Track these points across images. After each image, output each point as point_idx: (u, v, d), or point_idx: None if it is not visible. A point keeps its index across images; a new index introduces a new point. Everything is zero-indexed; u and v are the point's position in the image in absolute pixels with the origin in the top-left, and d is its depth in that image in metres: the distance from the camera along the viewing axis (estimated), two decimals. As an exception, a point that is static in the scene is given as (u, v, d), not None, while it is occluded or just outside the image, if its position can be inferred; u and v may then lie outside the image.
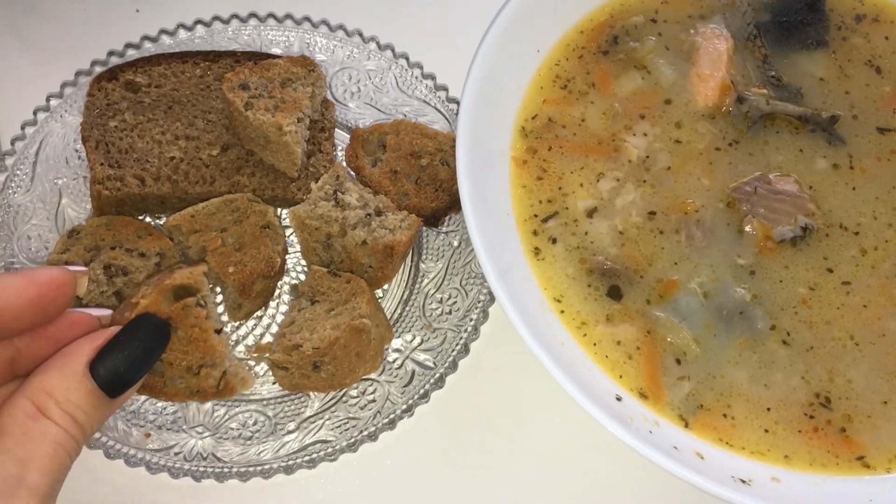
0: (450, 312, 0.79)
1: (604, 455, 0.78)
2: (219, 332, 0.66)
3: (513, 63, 0.84)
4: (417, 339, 0.78)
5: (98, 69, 0.85)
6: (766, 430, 0.72)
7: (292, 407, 0.74)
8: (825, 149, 0.84)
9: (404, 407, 0.73)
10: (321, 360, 0.71)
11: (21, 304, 0.50)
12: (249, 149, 0.80)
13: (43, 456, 0.46)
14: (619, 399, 0.71)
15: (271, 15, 0.90)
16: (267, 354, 0.74)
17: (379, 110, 0.88)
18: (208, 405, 0.74)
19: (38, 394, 0.47)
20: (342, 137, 0.87)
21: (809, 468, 0.71)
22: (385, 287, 0.81)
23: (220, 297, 0.79)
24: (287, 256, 0.82)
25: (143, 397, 0.73)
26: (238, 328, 0.79)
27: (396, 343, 0.78)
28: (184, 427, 0.72)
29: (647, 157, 0.83)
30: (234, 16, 0.90)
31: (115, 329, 0.51)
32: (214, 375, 0.66)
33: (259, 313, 0.79)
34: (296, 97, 0.77)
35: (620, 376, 0.73)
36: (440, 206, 0.80)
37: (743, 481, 0.67)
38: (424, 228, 0.83)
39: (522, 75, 0.86)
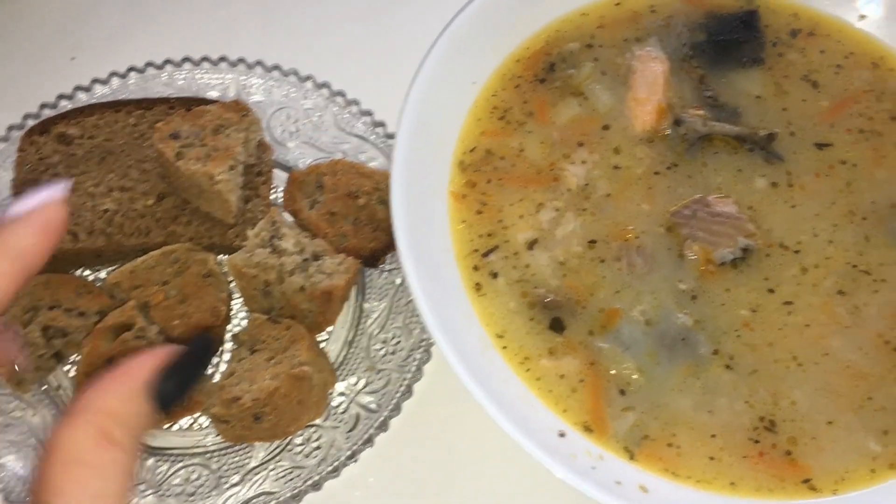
0: (393, 353, 0.78)
1: (559, 493, 0.77)
2: None
3: (448, 97, 0.84)
4: (362, 382, 0.77)
5: (31, 122, 0.85)
6: (712, 458, 0.72)
7: (236, 459, 0.74)
8: (764, 167, 0.84)
9: (348, 453, 0.73)
10: (262, 410, 0.70)
11: (42, 261, 0.48)
12: (185, 197, 0.79)
13: (116, 487, 0.44)
14: (562, 435, 0.71)
15: (205, 58, 0.89)
16: (207, 408, 0.74)
17: (319, 149, 0.88)
18: (151, 460, 0.73)
19: (104, 419, 0.44)
20: (283, 178, 0.86)
21: (756, 494, 0.71)
22: (329, 329, 0.81)
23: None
24: (231, 303, 0.81)
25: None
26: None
27: (341, 387, 0.77)
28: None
29: (587, 184, 0.83)
30: (168, 61, 0.89)
31: (170, 349, 0.48)
32: None
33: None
34: (228, 144, 0.77)
35: (565, 410, 0.73)
36: (379, 245, 0.79)
37: (686, 513, 0.67)
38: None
39: (459, 108, 0.85)
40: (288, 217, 0.82)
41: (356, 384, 0.77)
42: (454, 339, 0.70)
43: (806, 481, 0.72)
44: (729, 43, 0.91)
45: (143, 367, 0.46)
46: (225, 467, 0.73)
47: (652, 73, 0.88)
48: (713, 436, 0.73)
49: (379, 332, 0.80)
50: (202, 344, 0.49)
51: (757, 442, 0.73)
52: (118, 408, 0.45)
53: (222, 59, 0.90)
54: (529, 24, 0.90)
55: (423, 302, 0.70)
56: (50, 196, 0.47)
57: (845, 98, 0.89)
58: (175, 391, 0.47)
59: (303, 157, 0.87)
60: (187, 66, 0.89)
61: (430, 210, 0.79)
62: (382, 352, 0.79)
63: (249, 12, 0.99)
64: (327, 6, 1.00)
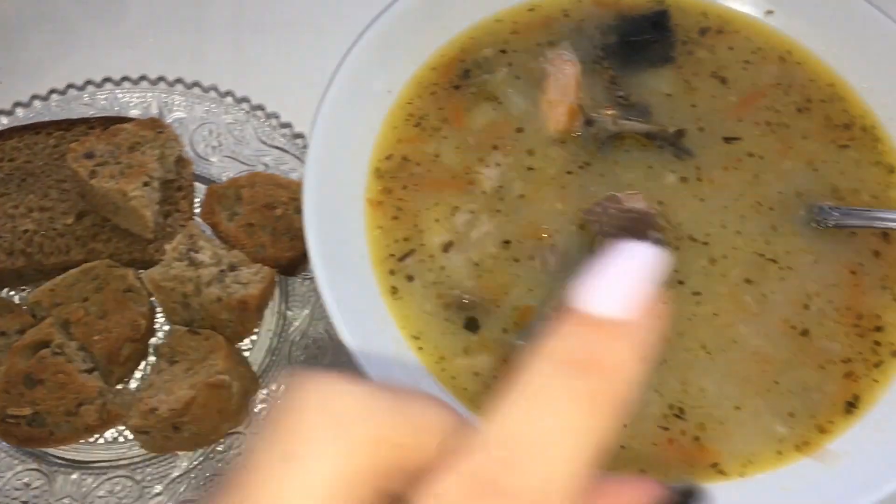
0: (315, 357, 0.80)
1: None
2: (90, 371, 0.74)
3: (363, 106, 0.86)
4: (283, 388, 0.78)
5: (-48, 148, 0.86)
6: (623, 447, 0.74)
7: (160, 469, 0.75)
8: (674, 163, 0.86)
9: (268, 458, 0.74)
10: (180, 420, 0.71)
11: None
12: (103, 215, 0.81)
13: None
14: (474, 431, 0.73)
15: (126, 78, 0.91)
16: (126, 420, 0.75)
17: (241, 162, 0.89)
18: (76, 474, 0.75)
19: None
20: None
21: (664, 480, 0.72)
22: (254, 338, 0.82)
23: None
24: (157, 317, 0.83)
25: (8, 473, 0.74)
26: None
27: (263, 394, 0.79)
28: (50, 500, 0.73)
29: (501, 186, 0.85)
30: (89, 82, 0.91)
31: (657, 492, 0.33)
32: (93, 410, 0.73)
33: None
34: (143, 161, 0.78)
35: (479, 407, 0.75)
36: (296, 254, 0.81)
37: (594, 501, 0.69)
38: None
39: (374, 117, 0.87)
40: (208, 230, 0.83)
41: (278, 391, 0.79)
42: (364, 341, 0.72)
43: (714, 465, 0.74)
44: (640, 43, 0.93)
45: None
46: (149, 477, 0.75)
47: (564, 75, 0.90)
48: (624, 425, 0.74)
49: (301, 339, 0.81)
50: (691, 496, 0.33)
51: (666, 429, 0.75)
52: None
53: (142, 77, 0.91)
54: (444, 32, 0.92)
55: (332, 305, 0.72)
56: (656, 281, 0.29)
57: (753, 92, 0.91)
58: None
59: (226, 170, 0.89)
60: (108, 85, 0.91)
61: (346, 217, 0.81)
62: (303, 358, 0.80)
63: (169, 33, 1.01)
64: (244, 20, 1.02)
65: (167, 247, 0.78)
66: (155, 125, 0.81)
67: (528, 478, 0.26)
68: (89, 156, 0.78)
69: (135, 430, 0.73)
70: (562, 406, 0.27)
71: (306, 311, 0.83)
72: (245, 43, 1.01)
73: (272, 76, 0.97)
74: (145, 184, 0.77)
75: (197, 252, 0.77)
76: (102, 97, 0.90)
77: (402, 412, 0.28)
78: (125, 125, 0.81)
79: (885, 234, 0.84)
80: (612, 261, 0.28)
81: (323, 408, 0.28)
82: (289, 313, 0.83)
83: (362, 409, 0.28)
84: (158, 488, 0.74)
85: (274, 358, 0.81)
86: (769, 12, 0.95)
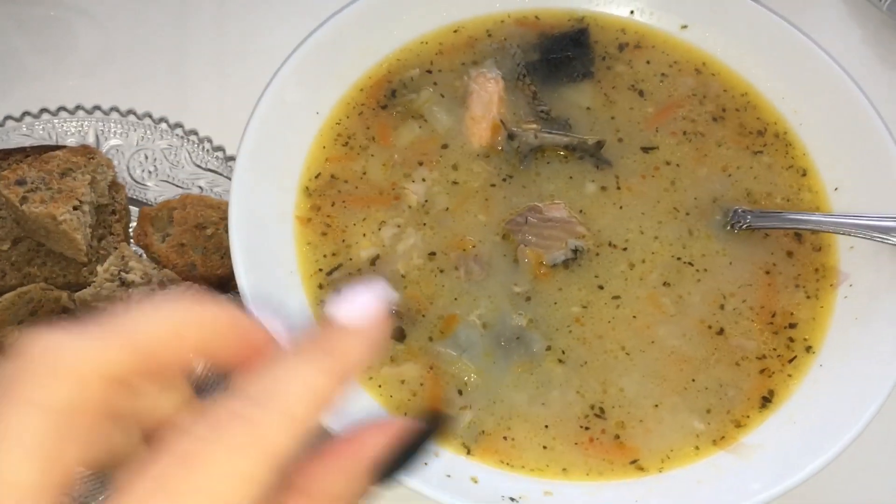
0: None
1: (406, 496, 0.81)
2: None
3: (291, 127, 0.89)
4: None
5: None
6: (545, 447, 0.76)
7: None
8: (594, 173, 0.90)
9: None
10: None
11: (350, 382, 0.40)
12: (38, 240, 0.83)
13: None
14: (399, 436, 0.75)
15: (62, 108, 0.93)
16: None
17: (177, 186, 0.92)
18: None
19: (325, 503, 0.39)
20: (144, 216, 0.90)
21: (586, 477, 0.75)
22: (189, 355, 0.84)
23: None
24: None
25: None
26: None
27: (197, 409, 0.80)
28: None
29: (427, 200, 0.88)
30: (26, 112, 0.93)
31: (399, 424, 0.41)
32: None
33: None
34: (73, 186, 0.81)
35: (405, 414, 0.77)
36: (226, 272, 0.83)
37: (512, 499, 0.71)
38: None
39: (303, 138, 0.90)
40: (141, 252, 0.86)
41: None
42: (289, 353, 0.74)
43: (633, 462, 0.76)
44: (560, 60, 0.97)
45: (371, 445, 0.40)
46: (84, 495, 0.76)
47: (487, 92, 0.93)
48: (546, 426, 0.77)
49: (234, 355, 0.83)
50: (434, 420, 0.43)
51: (587, 429, 0.77)
52: (341, 489, 0.39)
53: (78, 107, 0.94)
54: (371, 55, 0.95)
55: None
56: (383, 306, 0.41)
57: (670, 104, 0.95)
58: (401, 470, 0.41)
59: (162, 194, 0.91)
60: (45, 116, 0.93)
61: (275, 235, 0.83)
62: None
63: (102, 61, 1.04)
64: (172, 48, 1.05)
65: (99, 269, 0.80)
66: (86, 151, 0.84)
67: (269, 413, 0.34)
68: (21, 182, 0.80)
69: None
70: (303, 370, 0.36)
71: (240, 328, 0.85)
72: (173, 69, 1.03)
73: (203, 101, 0.99)
74: (75, 208, 0.79)
75: (128, 273, 0.79)
76: (40, 127, 0.92)
77: (137, 346, 0.35)
78: (57, 152, 0.83)
79: (797, 234, 0.88)
80: (352, 291, 0.40)
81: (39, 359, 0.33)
82: (223, 330, 0.85)
83: (81, 353, 0.33)
84: (93, 504, 0.75)
85: (209, 373, 0.82)
86: (684, 27, 0.99)
